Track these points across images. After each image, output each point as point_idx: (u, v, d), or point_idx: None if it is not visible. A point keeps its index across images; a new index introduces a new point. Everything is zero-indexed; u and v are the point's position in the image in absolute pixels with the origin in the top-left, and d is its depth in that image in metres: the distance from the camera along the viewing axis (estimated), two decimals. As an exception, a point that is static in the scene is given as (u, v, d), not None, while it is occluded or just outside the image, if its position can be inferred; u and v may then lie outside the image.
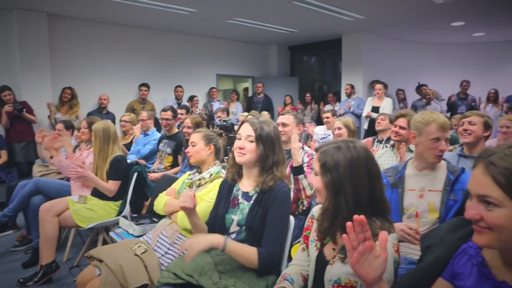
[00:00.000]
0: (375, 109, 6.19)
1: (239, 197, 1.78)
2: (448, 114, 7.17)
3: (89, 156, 3.42)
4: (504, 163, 0.87)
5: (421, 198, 1.95)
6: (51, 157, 3.45)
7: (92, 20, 6.65)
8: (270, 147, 1.70)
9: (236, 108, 8.02)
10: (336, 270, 1.25)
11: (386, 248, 0.99)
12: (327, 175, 1.28)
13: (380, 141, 3.75)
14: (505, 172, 0.86)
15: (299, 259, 1.51)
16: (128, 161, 3.22)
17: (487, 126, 2.63)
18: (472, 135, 2.61)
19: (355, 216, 0.99)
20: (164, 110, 4.19)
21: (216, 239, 1.53)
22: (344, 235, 1.01)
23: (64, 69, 6.41)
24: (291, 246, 2.29)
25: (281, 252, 1.66)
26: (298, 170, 2.42)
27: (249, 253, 1.55)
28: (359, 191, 1.26)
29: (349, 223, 1.00)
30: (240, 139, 1.73)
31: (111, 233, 2.61)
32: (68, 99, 6.02)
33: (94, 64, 6.76)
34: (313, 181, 1.36)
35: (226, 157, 2.49)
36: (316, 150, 1.38)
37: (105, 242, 3.03)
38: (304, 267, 1.47)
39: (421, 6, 5.87)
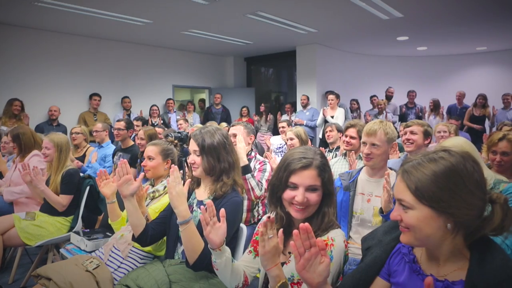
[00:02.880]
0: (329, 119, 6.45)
1: (194, 205, 1.82)
2: (399, 123, 7.59)
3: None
4: (414, 171, 1.00)
5: (368, 203, 2.08)
6: None
7: (40, 29, 6.38)
8: (214, 157, 1.76)
9: (194, 119, 8.00)
10: (290, 269, 1.32)
11: (327, 255, 1.08)
12: (322, 189, 1.37)
13: (331, 150, 3.92)
14: (414, 179, 0.99)
15: (246, 260, 1.54)
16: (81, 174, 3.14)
17: (427, 134, 2.83)
18: (414, 144, 2.80)
19: (301, 224, 1.05)
20: (118, 120, 4.23)
21: (186, 211, 1.52)
22: (292, 242, 1.07)
23: (8, 80, 6.08)
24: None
25: None
26: (244, 170, 2.48)
27: (198, 243, 1.53)
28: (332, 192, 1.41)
29: (295, 231, 1.06)
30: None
31: (61, 250, 2.52)
32: (18, 112, 5.71)
33: (43, 75, 6.48)
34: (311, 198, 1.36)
35: (181, 170, 2.50)
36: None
37: (55, 260, 2.91)
38: (249, 268, 1.51)
39: (369, 22, 6.22)
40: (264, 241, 1.23)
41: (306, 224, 1.05)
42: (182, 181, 1.58)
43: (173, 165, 1.57)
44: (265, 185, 2.64)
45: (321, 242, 1.06)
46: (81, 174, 3.14)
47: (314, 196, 1.34)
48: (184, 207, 1.52)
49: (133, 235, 1.80)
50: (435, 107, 7.19)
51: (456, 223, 0.97)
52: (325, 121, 6.62)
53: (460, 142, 2.02)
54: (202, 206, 1.37)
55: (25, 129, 3.55)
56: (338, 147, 3.87)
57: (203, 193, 1.83)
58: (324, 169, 1.37)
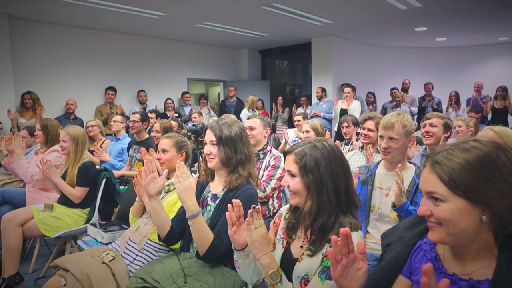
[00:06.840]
0: (344, 112, 6.35)
1: (208, 199, 1.82)
2: (415, 117, 7.45)
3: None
4: (446, 161, 0.94)
5: (386, 197, 2.03)
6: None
7: (57, 23, 6.46)
8: (231, 148, 1.75)
9: (209, 112, 8.01)
10: (303, 266, 1.28)
11: (366, 260, 1.02)
12: (308, 176, 1.29)
13: (347, 144, 3.85)
14: (447, 169, 0.93)
15: None
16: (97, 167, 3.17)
17: (447, 127, 2.75)
18: (434, 137, 2.73)
19: (341, 230, 1.00)
20: (133, 112, 4.23)
21: (194, 206, 1.56)
22: (329, 249, 1.02)
23: (27, 74, 6.18)
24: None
25: (226, 247, 1.62)
26: None
27: (207, 236, 1.58)
28: (338, 186, 1.29)
29: (333, 237, 1.01)
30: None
31: (78, 242, 2.55)
32: (31, 105, 5.82)
33: (60, 68, 6.56)
34: (290, 183, 1.34)
35: (196, 163, 2.49)
36: (288, 152, 1.38)
37: (73, 251, 2.95)
38: None
39: (386, 12, 6.08)
40: (250, 230, 1.26)
41: (346, 229, 0.99)
42: (194, 176, 1.58)
43: (178, 160, 1.57)
44: (276, 183, 2.64)
45: (362, 245, 1.01)
46: (98, 167, 3.17)
47: (292, 183, 1.32)
48: (192, 201, 1.54)
49: (158, 236, 1.80)
50: (457, 100, 7.07)
51: (492, 214, 0.92)
52: (340, 114, 6.53)
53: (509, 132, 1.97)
54: (229, 204, 1.34)
55: (54, 122, 3.62)
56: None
57: (217, 186, 1.82)
58: (301, 157, 1.30)
